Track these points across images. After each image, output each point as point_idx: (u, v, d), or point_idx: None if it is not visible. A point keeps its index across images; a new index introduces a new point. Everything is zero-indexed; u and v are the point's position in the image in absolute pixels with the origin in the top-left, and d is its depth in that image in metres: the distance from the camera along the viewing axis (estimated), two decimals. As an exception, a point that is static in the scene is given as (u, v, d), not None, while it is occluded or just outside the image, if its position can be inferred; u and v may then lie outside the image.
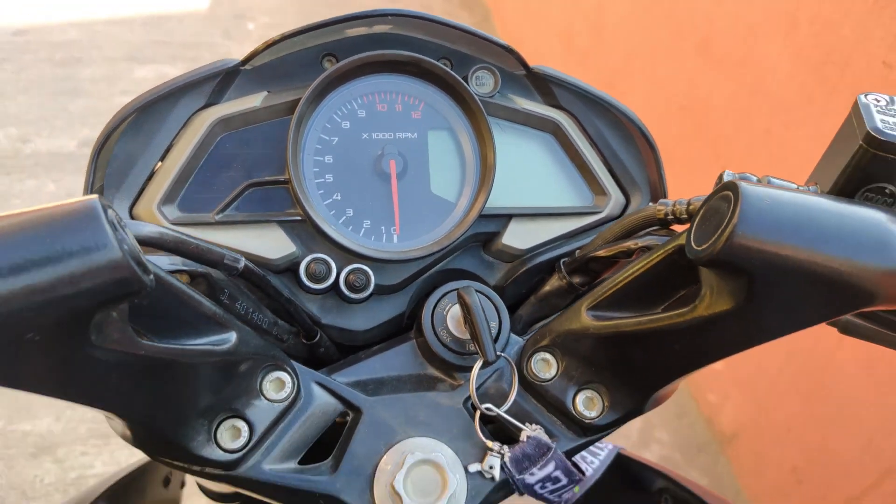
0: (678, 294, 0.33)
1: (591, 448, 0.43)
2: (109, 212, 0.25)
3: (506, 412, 0.37)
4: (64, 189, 2.16)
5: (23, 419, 1.54)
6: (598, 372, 0.37)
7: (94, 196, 0.25)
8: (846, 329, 0.40)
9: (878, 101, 0.31)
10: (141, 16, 3.13)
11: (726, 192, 0.29)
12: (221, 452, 0.33)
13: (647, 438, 1.69)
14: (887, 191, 0.30)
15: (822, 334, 1.33)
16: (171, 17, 3.10)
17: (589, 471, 0.46)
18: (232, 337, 0.32)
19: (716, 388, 1.67)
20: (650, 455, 1.66)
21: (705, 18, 1.56)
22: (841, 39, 1.18)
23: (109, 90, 2.63)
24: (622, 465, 0.53)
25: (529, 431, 0.37)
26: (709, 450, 1.67)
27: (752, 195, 0.28)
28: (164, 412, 0.31)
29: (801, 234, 0.27)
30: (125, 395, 0.29)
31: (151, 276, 0.26)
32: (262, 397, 0.35)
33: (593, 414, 0.37)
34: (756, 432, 1.52)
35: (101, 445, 1.52)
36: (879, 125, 0.30)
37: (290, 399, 0.35)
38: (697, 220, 0.30)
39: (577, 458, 0.42)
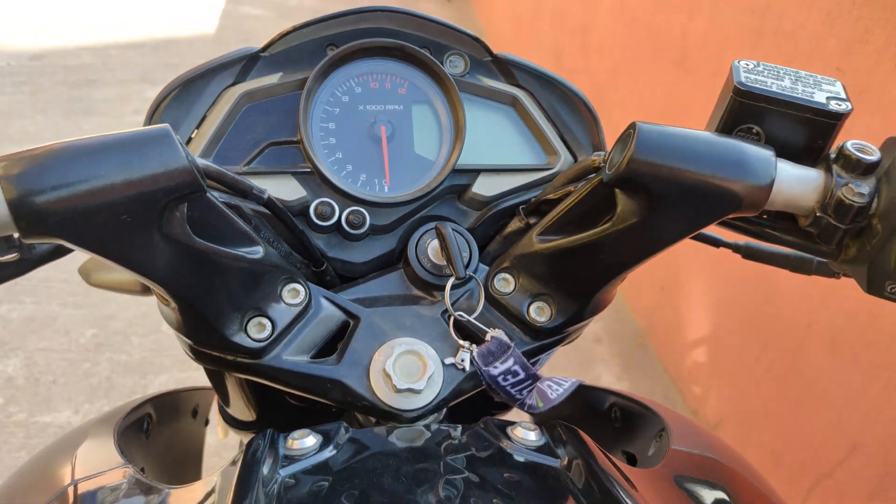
0: (603, 218, 0.43)
1: (557, 379, 0.52)
2: (176, 136, 0.35)
3: (474, 319, 0.47)
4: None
5: (43, 412, 1.63)
6: (546, 285, 0.47)
7: (166, 124, 0.35)
8: (748, 255, 0.50)
9: (748, 64, 0.41)
10: (152, 40, 3.27)
11: (629, 130, 0.39)
12: (250, 341, 0.43)
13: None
14: (754, 130, 0.40)
15: (793, 321, 1.43)
16: (180, 41, 3.25)
17: (553, 395, 0.55)
18: (259, 251, 0.42)
19: (700, 381, 1.76)
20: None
21: (681, 35, 1.67)
22: (799, 49, 1.29)
23: (122, 109, 2.76)
24: (582, 394, 0.62)
25: (493, 333, 0.46)
26: (694, 439, 1.74)
27: (646, 129, 0.38)
28: (208, 299, 0.41)
29: (682, 157, 0.37)
30: (183, 278, 0.38)
31: (206, 183, 0.36)
32: (282, 301, 0.45)
33: (543, 319, 0.47)
34: (737, 419, 1.61)
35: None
36: (744, 80, 0.40)
37: (303, 305, 0.45)
38: (611, 153, 0.40)
39: (544, 386, 0.51)
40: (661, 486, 0.38)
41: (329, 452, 0.37)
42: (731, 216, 0.39)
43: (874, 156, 0.37)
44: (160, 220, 0.35)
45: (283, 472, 0.35)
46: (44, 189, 0.32)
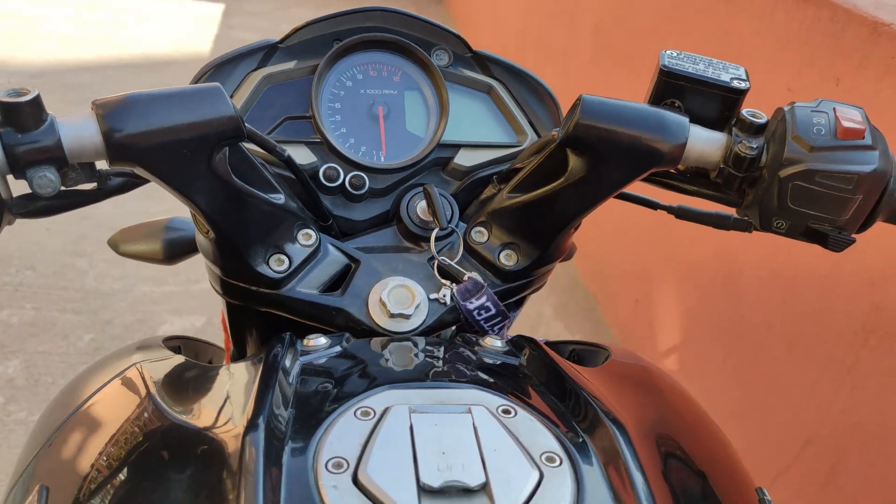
0: (558, 177, 0.53)
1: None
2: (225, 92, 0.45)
3: (454, 263, 0.56)
4: (78, 212, 2.35)
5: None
6: (514, 235, 0.56)
7: (217, 83, 0.45)
8: (680, 215, 0.60)
9: (672, 52, 0.51)
10: (148, 61, 3.38)
11: (577, 101, 0.49)
12: (272, 272, 0.52)
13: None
14: (676, 104, 0.51)
15: (755, 324, 1.53)
16: (176, 61, 3.36)
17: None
18: (281, 197, 0.52)
19: (671, 387, 1.85)
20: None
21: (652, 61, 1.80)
22: (756, 70, 1.42)
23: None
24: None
25: (469, 274, 0.56)
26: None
27: (590, 99, 0.48)
28: (239, 232, 0.50)
29: (617, 120, 0.47)
30: (222, 210, 0.47)
31: (246, 131, 0.45)
32: (297, 243, 0.54)
33: (511, 264, 0.56)
34: (705, 421, 1.69)
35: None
36: (668, 63, 0.50)
37: (314, 247, 0.54)
38: (564, 120, 0.50)
39: (511, 323, 0.60)
40: (601, 378, 0.47)
41: (338, 349, 0.46)
42: (655, 169, 0.49)
43: (762, 119, 0.48)
44: (210, 158, 0.44)
45: (303, 360, 0.44)
46: (128, 125, 0.41)
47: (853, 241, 0.47)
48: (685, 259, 1.74)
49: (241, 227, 0.50)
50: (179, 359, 0.49)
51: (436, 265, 0.56)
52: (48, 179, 0.41)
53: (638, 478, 0.33)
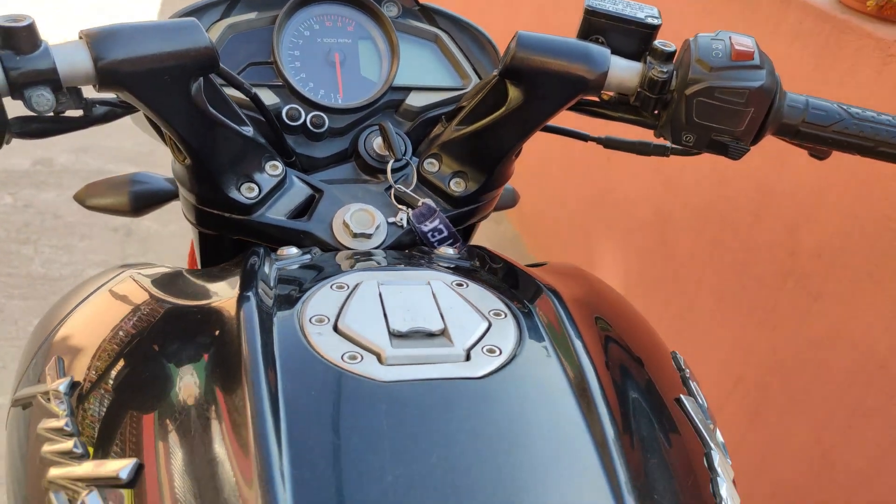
0: (499, 108, 0.59)
1: None
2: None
3: (410, 191, 0.62)
4: (21, 200, 2.32)
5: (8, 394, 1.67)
6: (462, 164, 0.63)
7: (194, 18, 0.50)
8: (608, 145, 0.68)
9: None
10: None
11: (514, 37, 0.56)
12: (243, 198, 0.57)
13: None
14: (599, 39, 0.58)
15: (688, 280, 1.64)
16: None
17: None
18: (250, 130, 0.57)
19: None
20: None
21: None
22: (681, 36, 1.52)
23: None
24: None
25: (423, 200, 0.62)
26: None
27: (524, 34, 0.55)
28: (213, 159, 0.55)
29: (549, 51, 0.54)
30: (198, 136, 0.52)
31: (220, 64, 0.50)
32: (265, 173, 0.59)
33: (460, 190, 0.63)
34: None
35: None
36: (592, 4, 0.57)
37: (280, 177, 0.60)
38: (502, 57, 0.57)
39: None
40: (542, 272, 0.54)
41: (309, 257, 0.52)
42: (582, 96, 0.56)
43: (671, 48, 0.55)
44: (188, 86, 0.49)
45: (278, 264, 0.49)
46: (114, 52, 0.46)
47: (748, 149, 0.55)
48: (622, 226, 1.85)
49: (214, 154, 0.55)
50: (167, 268, 0.54)
51: (392, 193, 0.62)
52: (45, 98, 0.45)
53: (571, 328, 0.40)
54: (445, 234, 0.62)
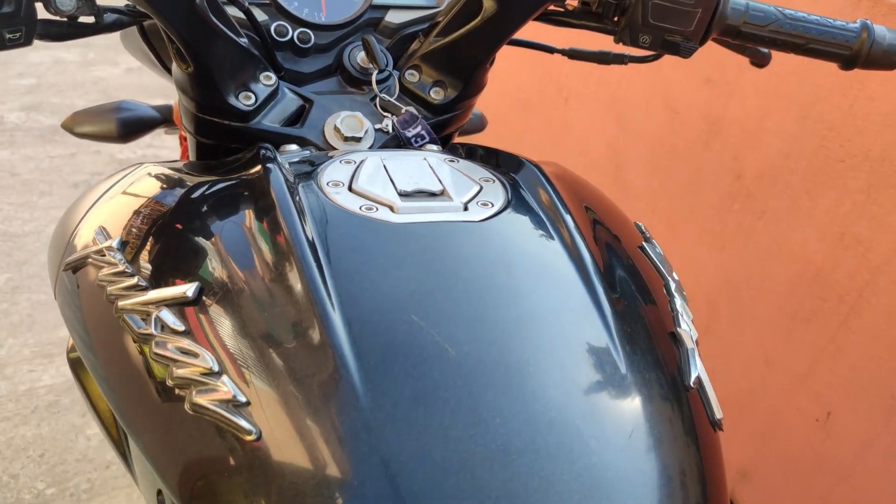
0: (474, 19, 0.65)
1: None
2: None
3: (393, 100, 0.68)
4: (-26, 159, 2.27)
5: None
6: (440, 73, 0.68)
7: None
8: (573, 56, 0.74)
9: None
10: (29, 6, 3.21)
11: None
12: (242, 105, 0.62)
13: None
14: None
15: (641, 211, 1.73)
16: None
17: None
18: (245, 40, 0.61)
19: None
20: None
21: None
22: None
23: (5, 73, 2.73)
24: None
25: (406, 108, 0.67)
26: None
27: None
28: (214, 65, 0.59)
29: None
30: (201, 42, 0.56)
31: None
32: (260, 83, 0.63)
33: (440, 98, 0.69)
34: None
35: (45, 364, 1.69)
36: None
37: (274, 87, 0.64)
38: None
39: None
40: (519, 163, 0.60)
41: (308, 152, 0.57)
42: (548, 5, 0.62)
43: None
44: None
45: (285, 155, 0.54)
46: None
47: (697, 47, 0.62)
48: (580, 163, 1.93)
49: (215, 62, 0.59)
50: (180, 162, 0.58)
51: (377, 102, 0.67)
52: (67, 2, 0.49)
53: (551, 189, 0.47)
54: (427, 139, 0.68)
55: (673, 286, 0.47)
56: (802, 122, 1.21)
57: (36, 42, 0.53)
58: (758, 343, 1.37)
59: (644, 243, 0.52)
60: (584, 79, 1.82)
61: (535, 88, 2.09)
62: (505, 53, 0.69)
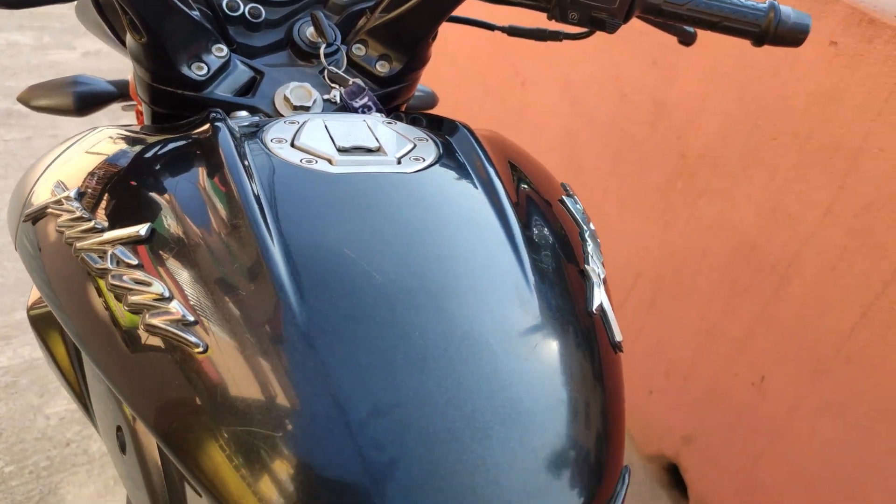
0: None
1: None
2: None
3: (341, 72, 0.71)
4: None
5: None
6: (386, 47, 0.72)
7: None
8: (512, 33, 0.78)
9: None
10: None
11: None
12: (195, 75, 0.65)
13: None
14: None
15: (593, 188, 1.79)
16: None
17: None
18: (197, 13, 0.64)
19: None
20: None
21: None
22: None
23: None
24: None
25: (353, 80, 0.71)
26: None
27: None
28: (167, 36, 0.61)
29: None
30: (155, 15, 0.59)
31: None
32: (212, 54, 0.66)
33: (385, 71, 0.72)
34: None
35: (2, 345, 1.68)
36: None
37: (226, 59, 0.67)
38: None
39: None
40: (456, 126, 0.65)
41: (258, 118, 0.60)
42: None
43: None
44: None
45: (235, 120, 0.58)
46: None
47: (621, 24, 0.67)
48: (536, 146, 1.98)
49: (168, 34, 0.62)
50: (136, 126, 0.61)
51: (326, 74, 0.71)
52: None
53: (479, 149, 0.51)
54: (374, 109, 0.72)
55: (587, 233, 0.52)
56: (739, 103, 1.27)
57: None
58: (700, 314, 1.44)
59: (565, 197, 0.57)
60: (539, 63, 1.87)
61: (493, 73, 2.14)
62: (464, 38, 0.72)
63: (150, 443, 0.44)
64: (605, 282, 0.49)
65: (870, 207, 1.05)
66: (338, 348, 0.34)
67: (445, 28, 0.79)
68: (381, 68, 0.73)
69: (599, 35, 0.72)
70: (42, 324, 0.58)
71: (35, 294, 0.61)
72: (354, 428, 0.32)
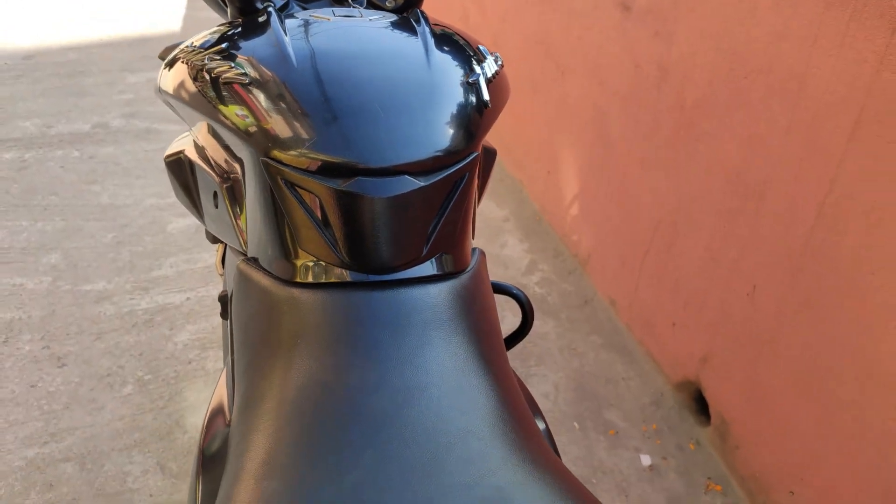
0: None
1: None
2: None
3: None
4: (87, 154, 2.79)
5: (84, 284, 2.13)
6: None
7: None
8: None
9: None
10: (127, 38, 3.80)
11: None
12: None
13: (533, 269, 2.35)
14: None
15: (620, 153, 2.06)
16: (152, 38, 3.78)
17: None
18: None
19: (576, 231, 2.36)
20: (534, 278, 2.32)
21: (539, -23, 2.31)
22: (633, 24, 1.93)
23: (110, 91, 3.28)
24: None
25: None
26: (575, 272, 2.34)
27: None
28: None
29: None
30: None
31: None
32: None
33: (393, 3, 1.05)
34: (599, 251, 2.21)
35: (143, 294, 2.12)
36: None
37: None
38: None
39: None
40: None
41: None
42: None
43: None
44: None
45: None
46: None
47: None
48: (574, 126, 2.25)
49: None
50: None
51: None
52: None
53: (423, 17, 0.83)
54: None
55: (483, 49, 0.80)
56: (717, 52, 1.51)
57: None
58: (705, 246, 1.65)
59: (479, 46, 0.86)
60: (575, 56, 2.16)
61: (538, 71, 2.44)
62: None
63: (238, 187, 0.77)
64: (491, 81, 0.78)
65: (816, 118, 1.26)
66: (325, 77, 0.66)
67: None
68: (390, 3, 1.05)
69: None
70: (174, 166, 0.93)
71: (171, 147, 0.97)
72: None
